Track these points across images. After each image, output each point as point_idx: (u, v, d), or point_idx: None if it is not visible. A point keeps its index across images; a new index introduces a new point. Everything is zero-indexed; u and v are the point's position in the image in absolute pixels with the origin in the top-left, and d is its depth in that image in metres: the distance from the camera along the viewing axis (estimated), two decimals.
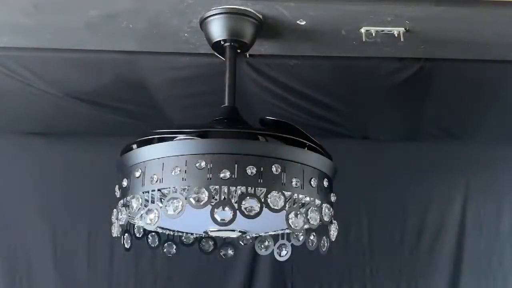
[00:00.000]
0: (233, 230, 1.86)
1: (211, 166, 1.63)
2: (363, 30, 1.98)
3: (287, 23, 1.97)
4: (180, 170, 1.64)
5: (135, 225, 1.94)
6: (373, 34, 1.98)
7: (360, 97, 2.59)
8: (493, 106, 2.67)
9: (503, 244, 2.96)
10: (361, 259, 2.96)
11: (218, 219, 1.60)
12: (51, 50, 2.23)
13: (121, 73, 2.39)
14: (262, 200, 1.61)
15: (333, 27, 2.00)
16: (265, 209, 1.62)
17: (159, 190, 1.70)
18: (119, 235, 1.84)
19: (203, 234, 1.96)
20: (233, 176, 1.63)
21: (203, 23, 1.96)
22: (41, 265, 2.83)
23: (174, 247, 2.07)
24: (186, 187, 1.63)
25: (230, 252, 2.17)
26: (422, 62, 2.30)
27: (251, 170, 1.63)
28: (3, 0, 1.90)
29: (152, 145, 1.74)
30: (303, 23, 1.97)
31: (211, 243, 2.14)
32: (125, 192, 1.76)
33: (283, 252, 1.99)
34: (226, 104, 1.92)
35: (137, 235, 1.98)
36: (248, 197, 1.61)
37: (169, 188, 1.66)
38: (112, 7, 1.92)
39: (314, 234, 1.84)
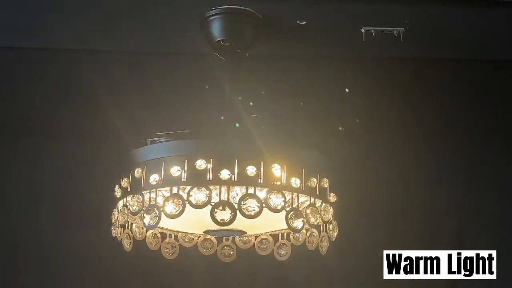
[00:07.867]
0: (233, 230, 1.86)
1: (211, 166, 1.63)
2: (363, 30, 1.98)
3: (287, 23, 1.97)
4: (180, 170, 1.65)
5: (135, 225, 1.94)
6: (373, 34, 1.98)
7: (359, 97, 2.59)
8: (492, 106, 2.67)
9: (504, 243, 2.95)
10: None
11: (218, 219, 1.60)
12: (52, 50, 2.23)
13: (121, 73, 2.39)
14: (262, 200, 1.61)
15: (333, 27, 2.00)
16: (265, 209, 1.62)
17: (159, 190, 1.70)
18: (119, 235, 1.84)
19: (203, 234, 1.96)
20: (233, 176, 1.63)
21: (203, 23, 1.96)
22: (41, 265, 2.83)
23: (174, 247, 2.06)
24: (186, 187, 1.63)
25: (230, 252, 2.17)
26: (422, 62, 2.30)
27: (251, 170, 1.64)
28: (3, 0, 1.90)
29: (152, 145, 1.74)
30: (303, 23, 1.97)
31: (211, 243, 2.14)
32: (125, 192, 1.76)
33: (283, 252, 1.99)
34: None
35: (137, 235, 1.97)
36: (248, 197, 1.61)
37: (169, 188, 1.66)
38: (112, 7, 1.92)
39: (314, 234, 1.84)
